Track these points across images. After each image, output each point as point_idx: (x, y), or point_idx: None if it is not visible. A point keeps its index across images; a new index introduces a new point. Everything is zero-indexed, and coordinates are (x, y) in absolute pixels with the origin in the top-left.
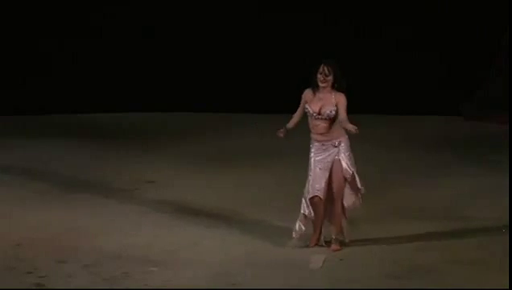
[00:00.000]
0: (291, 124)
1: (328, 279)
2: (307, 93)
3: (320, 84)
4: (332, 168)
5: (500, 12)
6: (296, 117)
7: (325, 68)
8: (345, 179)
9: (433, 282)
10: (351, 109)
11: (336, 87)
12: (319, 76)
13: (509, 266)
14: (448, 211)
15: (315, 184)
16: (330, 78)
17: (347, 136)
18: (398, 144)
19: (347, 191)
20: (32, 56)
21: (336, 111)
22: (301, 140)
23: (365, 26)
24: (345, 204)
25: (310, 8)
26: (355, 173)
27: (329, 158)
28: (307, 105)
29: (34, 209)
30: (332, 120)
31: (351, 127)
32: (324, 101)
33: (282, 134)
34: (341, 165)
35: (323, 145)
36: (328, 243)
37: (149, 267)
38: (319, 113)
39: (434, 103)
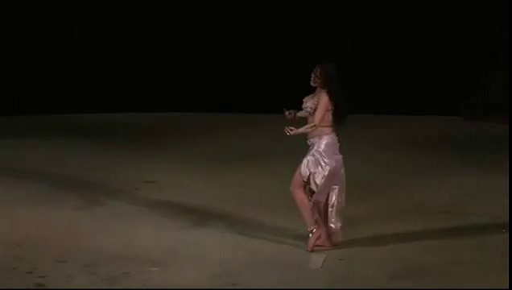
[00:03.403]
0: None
1: (328, 279)
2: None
3: (311, 84)
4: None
5: (500, 12)
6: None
7: (317, 70)
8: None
9: (433, 282)
10: (352, 110)
11: (327, 90)
12: (312, 74)
13: (509, 266)
14: (448, 211)
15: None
16: (318, 80)
17: (330, 138)
18: (398, 144)
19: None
20: (32, 56)
21: (315, 109)
22: (302, 140)
23: (366, 26)
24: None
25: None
26: (312, 176)
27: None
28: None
29: (34, 209)
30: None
31: (300, 129)
32: (311, 98)
33: (288, 116)
34: (302, 162)
35: (308, 141)
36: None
37: (149, 267)
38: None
39: (434, 103)
